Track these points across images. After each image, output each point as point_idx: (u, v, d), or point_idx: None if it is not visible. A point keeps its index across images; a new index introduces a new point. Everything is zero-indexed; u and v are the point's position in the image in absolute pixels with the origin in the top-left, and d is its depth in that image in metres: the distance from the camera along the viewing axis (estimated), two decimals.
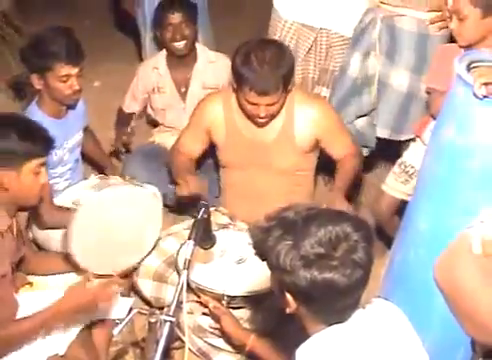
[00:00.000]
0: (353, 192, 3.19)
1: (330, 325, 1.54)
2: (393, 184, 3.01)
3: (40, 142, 2.25)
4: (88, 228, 2.48)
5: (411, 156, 2.93)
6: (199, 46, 3.61)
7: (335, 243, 1.47)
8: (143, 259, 2.74)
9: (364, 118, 3.35)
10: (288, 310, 1.57)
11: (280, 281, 1.54)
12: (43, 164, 2.27)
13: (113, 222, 2.56)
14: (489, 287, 1.10)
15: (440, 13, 3.02)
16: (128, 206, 2.59)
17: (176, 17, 3.43)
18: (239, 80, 2.70)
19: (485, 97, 1.97)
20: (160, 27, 3.51)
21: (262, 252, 1.56)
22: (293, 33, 3.36)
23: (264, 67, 2.63)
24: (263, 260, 1.57)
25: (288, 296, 1.54)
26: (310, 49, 3.34)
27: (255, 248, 1.59)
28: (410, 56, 3.15)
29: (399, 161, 3.01)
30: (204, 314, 2.51)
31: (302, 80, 3.42)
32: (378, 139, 3.38)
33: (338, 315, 1.55)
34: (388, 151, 3.51)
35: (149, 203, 2.66)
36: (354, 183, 2.97)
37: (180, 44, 3.46)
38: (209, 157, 3.23)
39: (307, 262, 1.46)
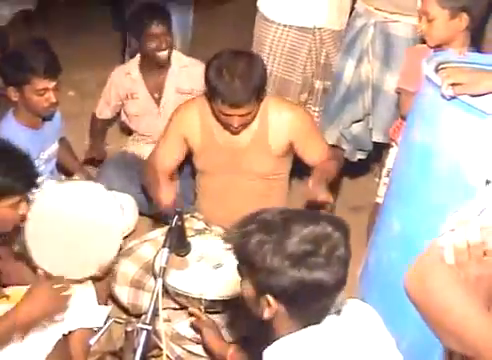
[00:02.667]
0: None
1: (304, 327, 1.53)
2: None
3: (22, 180, 2.18)
4: (42, 234, 2.40)
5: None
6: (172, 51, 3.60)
7: (319, 240, 1.48)
8: (116, 260, 2.66)
9: (360, 123, 3.36)
10: (266, 314, 1.55)
11: (263, 284, 1.52)
12: (22, 200, 2.21)
13: (65, 220, 2.44)
14: (462, 297, 1.09)
15: None
16: (72, 200, 2.48)
17: (160, 28, 3.41)
18: (212, 92, 2.71)
19: (453, 98, 1.99)
20: (141, 37, 3.44)
21: (244, 256, 1.55)
22: (286, 36, 3.39)
23: (235, 80, 2.62)
24: (243, 264, 1.57)
25: (270, 298, 1.52)
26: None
27: (236, 253, 1.58)
28: None
29: (385, 172, 2.98)
30: (191, 327, 2.51)
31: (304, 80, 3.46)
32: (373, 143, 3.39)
33: (315, 316, 1.54)
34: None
35: (96, 193, 2.53)
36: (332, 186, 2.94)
37: (164, 53, 3.44)
38: (185, 164, 3.23)
39: (294, 261, 1.46)
